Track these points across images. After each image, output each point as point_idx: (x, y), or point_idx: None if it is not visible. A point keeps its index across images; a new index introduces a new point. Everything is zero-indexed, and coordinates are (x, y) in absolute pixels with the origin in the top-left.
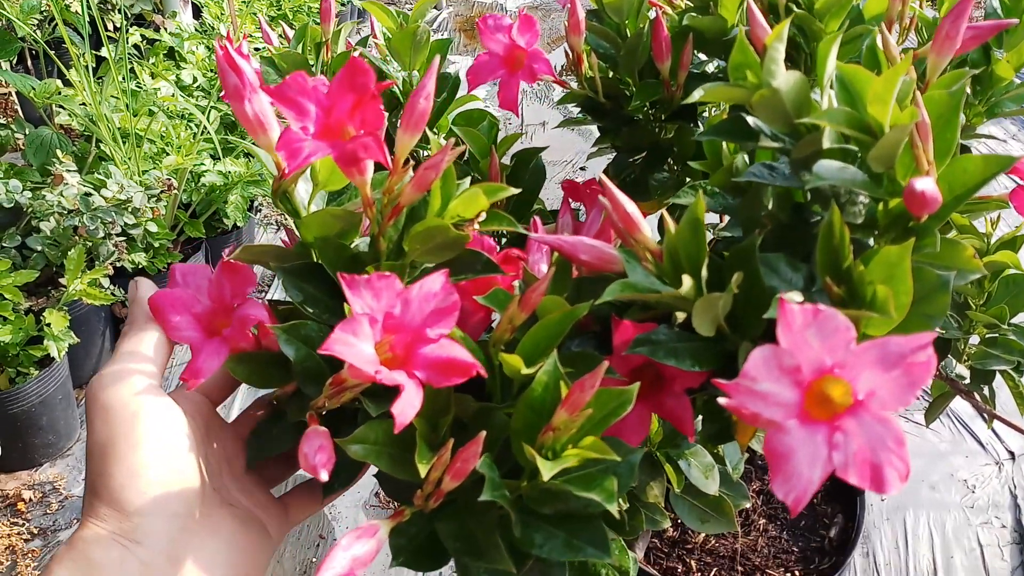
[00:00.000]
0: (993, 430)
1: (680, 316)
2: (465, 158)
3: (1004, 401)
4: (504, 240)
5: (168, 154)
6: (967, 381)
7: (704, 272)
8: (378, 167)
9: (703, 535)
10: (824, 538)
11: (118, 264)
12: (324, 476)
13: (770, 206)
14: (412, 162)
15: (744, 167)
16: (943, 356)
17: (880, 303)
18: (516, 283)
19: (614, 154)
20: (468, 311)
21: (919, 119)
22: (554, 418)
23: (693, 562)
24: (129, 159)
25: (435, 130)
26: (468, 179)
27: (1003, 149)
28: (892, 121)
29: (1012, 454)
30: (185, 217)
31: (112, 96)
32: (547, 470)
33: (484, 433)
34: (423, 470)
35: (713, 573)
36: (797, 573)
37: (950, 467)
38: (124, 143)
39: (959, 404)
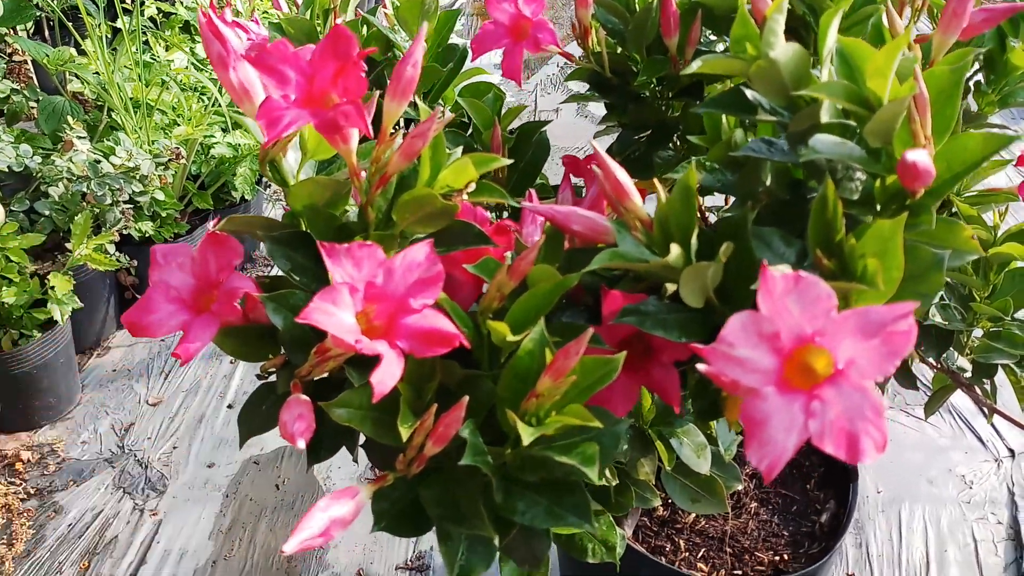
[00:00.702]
0: (994, 427)
1: (670, 288)
2: (470, 131)
3: (1006, 399)
4: (505, 215)
5: (179, 125)
6: (969, 374)
7: (694, 242)
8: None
9: (693, 516)
10: (815, 523)
11: (124, 231)
12: (301, 444)
13: (768, 182)
14: (400, 131)
15: (743, 142)
16: (945, 348)
17: (870, 276)
18: (508, 254)
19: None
20: (459, 282)
21: (917, 92)
22: (538, 384)
23: (682, 542)
24: (140, 129)
25: (441, 101)
26: (459, 149)
27: (1013, 112)
28: (891, 95)
29: (1012, 452)
30: (194, 188)
31: (125, 67)
32: (528, 435)
33: (467, 398)
34: (405, 434)
35: (702, 554)
36: (786, 557)
37: (949, 462)
38: (135, 113)
39: (961, 400)
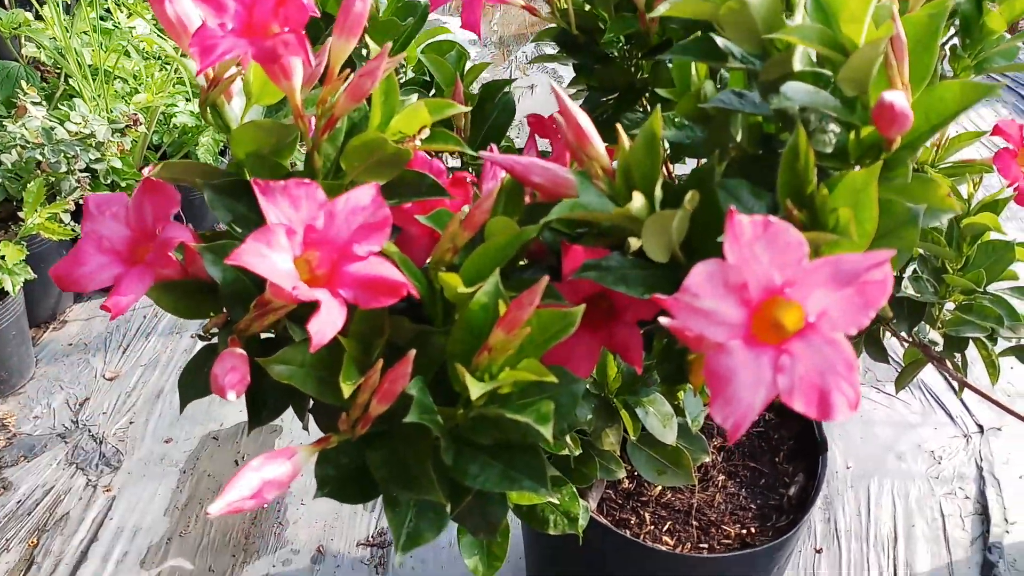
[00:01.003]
0: (963, 403)
1: (635, 244)
2: (432, 92)
3: (977, 374)
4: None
5: (140, 94)
6: (940, 348)
7: (658, 192)
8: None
9: (659, 488)
10: (783, 496)
11: (80, 200)
12: (231, 396)
13: (739, 138)
14: (348, 71)
15: (713, 94)
16: (917, 321)
17: (843, 227)
18: (465, 208)
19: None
20: (412, 237)
21: (895, 35)
22: (490, 337)
23: (647, 515)
24: (99, 96)
25: (403, 60)
26: (415, 96)
27: (985, 107)
28: (868, 40)
29: (981, 427)
30: (154, 158)
31: (84, 32)
32: (477, 389)
33: (414, 352)
34: (347, 391)
35: (667, 527)
36: (753, 530)
37: (918, 438)
38: (94, 80)
39: (931, 377)
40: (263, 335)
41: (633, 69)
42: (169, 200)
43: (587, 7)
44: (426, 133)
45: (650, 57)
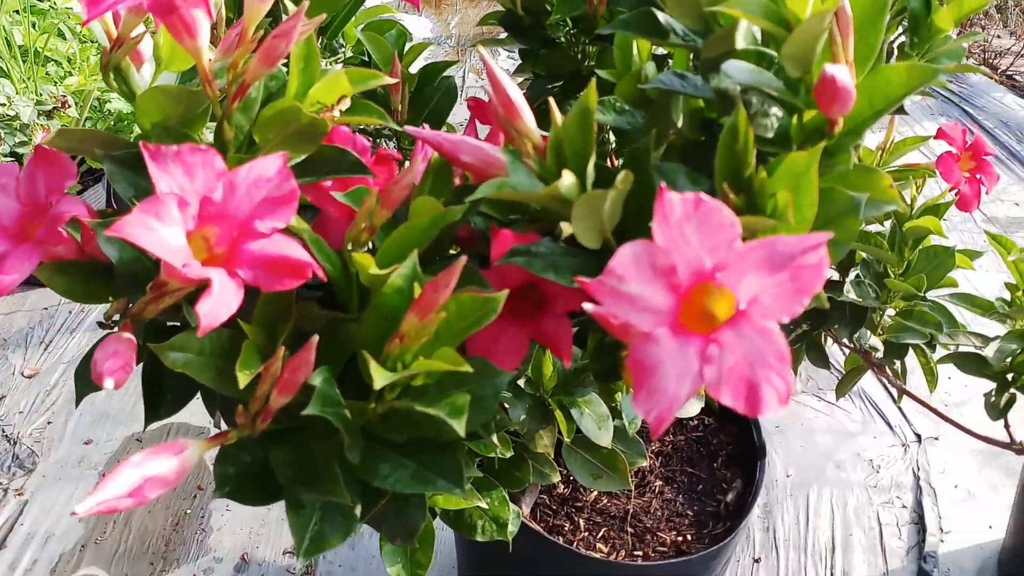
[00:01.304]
0: (903, 412)
1: (567, 230)
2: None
3: (917, 383)
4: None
5: (73, 77)
6: (880, 355)
7: (590, 171)
8: None
9: (595, 493)
10: (720, 503)
11: None
12: (108, 384)
13: (680, 124)
14: (262, 33)
15: (654, 75)
16: (858, 326)
17: (780, 210)
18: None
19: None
20: (332, 219)
21: (839, 9)
22: (403, 323)
23: (582, 521)
24: (28, 78)
25: (342, 38)
26: (339, 66)
27: (918, 105)
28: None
29: (919, 436)
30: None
31: (14, 10)
32: (380, 379)
33: (316, 337)
34: (243, 380)
35: (602, 533)
36: (689, 537)
37: (858, 446)
38: (24, 61)
39: (872, 386)
40: (172, 323)
41: (580, 56)
42: (64, 171)
43: None
44: (346, 104)
45: (598, 43)
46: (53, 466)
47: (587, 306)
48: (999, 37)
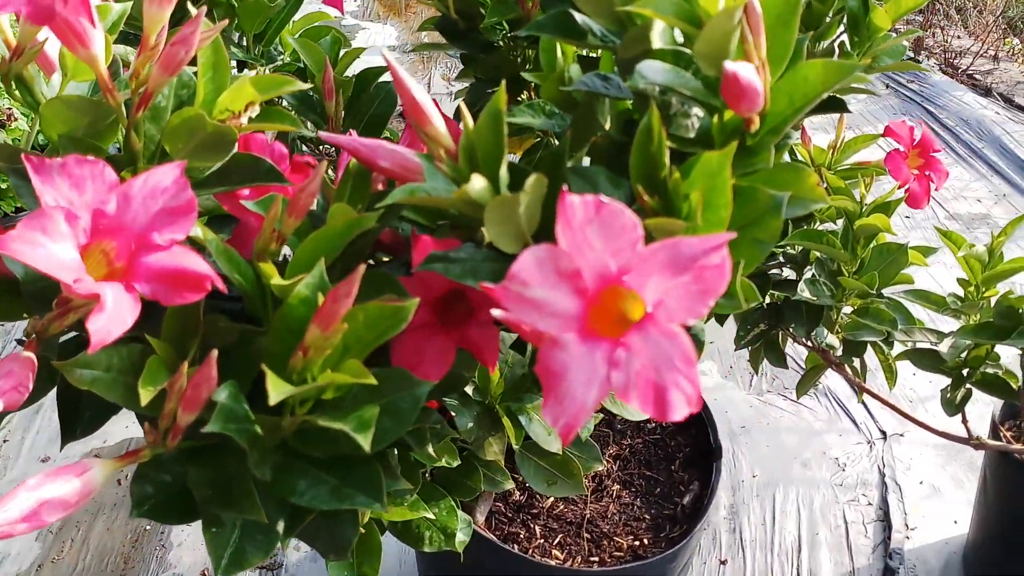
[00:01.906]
0: (868, 409)
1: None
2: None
3: (881, 381)
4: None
5: None
6: (839, 353)
7: (503, 174)
8: None
9: (551, 500)
10: (678, 505)
11: None
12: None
13: (608, 126)
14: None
15: (577, 76)
16: (815, 325)
17: (692, 211)
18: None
19: None
20: (252, 229)
21: (749, 7)
22: (306, 335)
23: (538, 528)
24: None
25: (279, 44)
26: (250, 72)
27: (880, 105)
28: None
29: (884, 434)
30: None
31: None
32: (277, 393)
33: (215, 352)
34: (145, 397)
35: (558, 540)
36: (646, 541)
37: (823, 445)
38: None
39: (837, 383)
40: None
41: (520, 59)
42: None
43: None
44: (255, 111)
45: (534, 46)
46: (8, 485)
47: (496, 312)
48: (959, 38)
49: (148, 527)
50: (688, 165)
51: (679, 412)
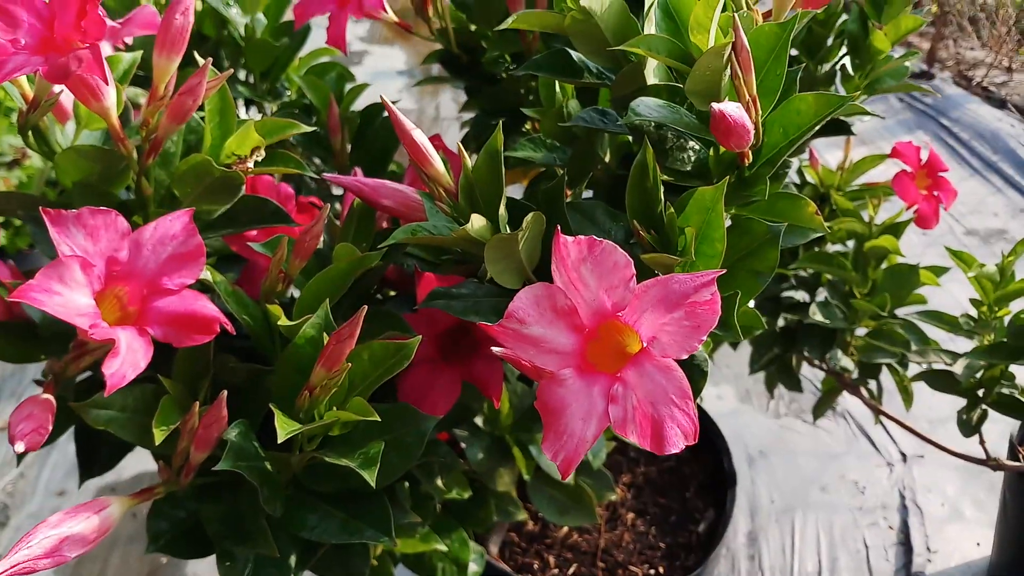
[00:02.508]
0: (887, 431)
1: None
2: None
3: (899, 402)
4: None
5: None
6: (854, 375)
7: (503, 212)
8: None
9: (565, 529)
10: (692, 533)
11: None
12: (19, 448)
13: (608, 159)
14: (171, 91)
15: (576, 112)
16: (828, 348)
17: (686, 246)
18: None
19: None
20: (262, 267)
21: (739, 45)
22: (312, 376)
23: (552, 558)
24: None
25: (285, 82)
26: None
27: (893, 119)
28: None
29: (904, 455)
30: (54, 195)
31: None
32: (284, 431)
33: (225, 393)
34: (159, 436)
35: (573, 570)
36: (661, 570)
37: (842, 468)
38: None
39: (855, 405)
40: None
41: (522, 91)
42: None
43: (472, 27)
44: (261, 155)
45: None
46: (27, 519)
47: (495, 349)
48: (972, 49)
49: (164, 560)
50: (683, 200)
51: (675, 445)
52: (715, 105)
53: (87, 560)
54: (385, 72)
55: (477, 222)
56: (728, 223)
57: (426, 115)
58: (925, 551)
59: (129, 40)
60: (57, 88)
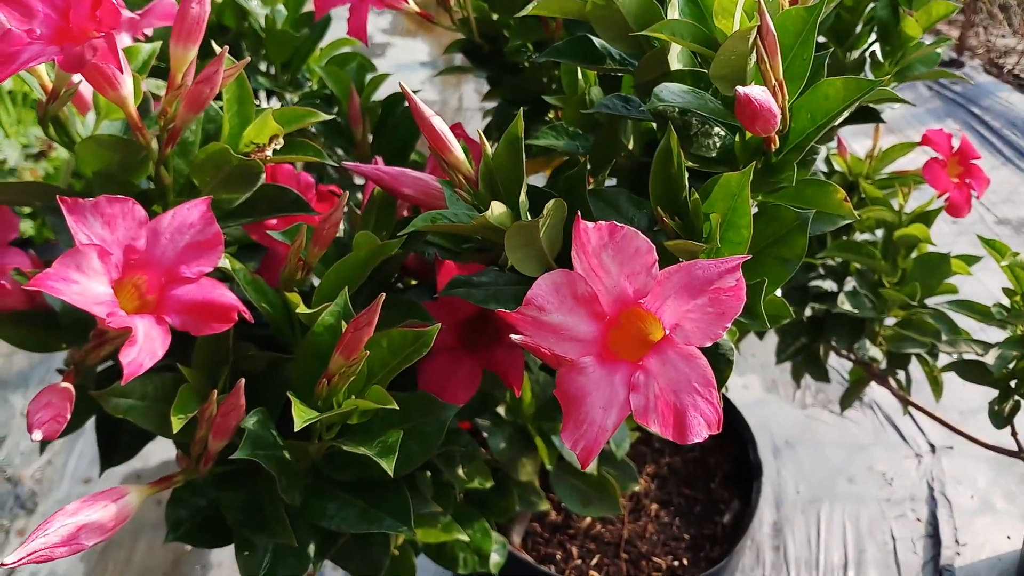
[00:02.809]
0: (915, 422)
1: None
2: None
3: (928, 392)
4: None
5: None
6: (882, 365)
7: (523, 199)
8: None
9: (588, 520)
10: (718, 524)
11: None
12: (36, 436)
13: (631, 146)
14: (189, 80)
15: (598, 99)
16: (856, 337)
17: (712, 231)
18: (343, 226)
19: None
20: (282, 256)
21: (764, 29)
22: (330, 363)
23: (575, 548)
24: (19, 122)
25: (306, 72)
26: (275, 106)
27: (923, 108)
28: None
29: (933, 447)
30: (80, 185)
31: None
32: (301, 419)
33: (243, 381)
34: (176, 425)
35: (596, 561)
36: (685, 561)
37: (870, 459)
38: (15, 104)
39: (883, 396)
40: None
41: (545, 80)
42: (5, 225)
43: (495, 16)
44: (279, 144)
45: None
46: (54, 505)
47: (515, 337)
48: (1003, 37)
49: (189, 548)
50: (708, 186)
51: (698, 435)
52: (740, 88)
53: (113, 547)
54: (408, 64)
55: (497, 209)
56: (754, 211)
57: (449, 106)
58: (954, 544)
59: (149, 31)
60: (77, 79)
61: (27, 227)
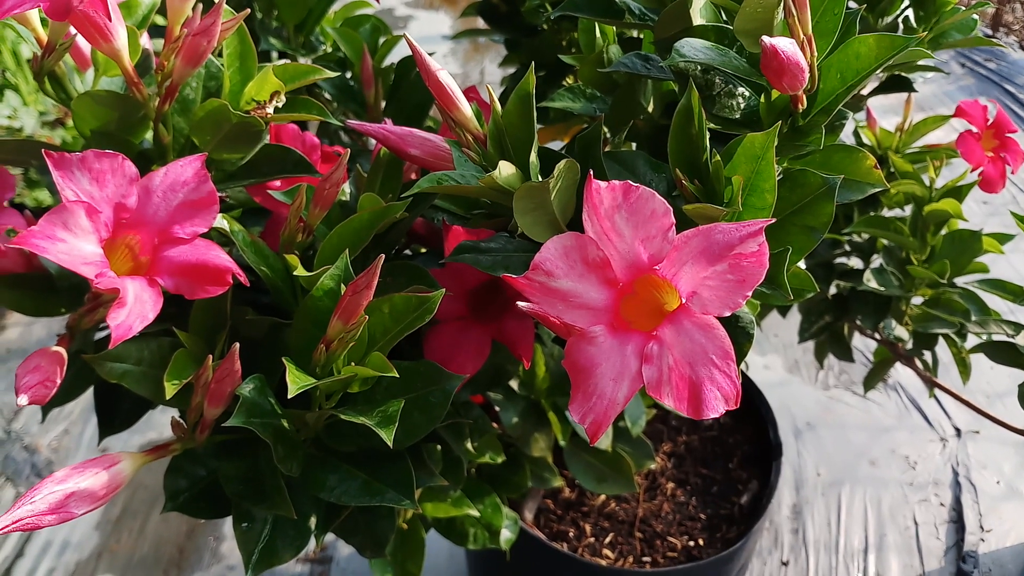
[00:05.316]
0: (941, 405)
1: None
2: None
3: (955, 376)
4: None
5: None
6: (909, 345)
7: (534, 159)
8: None
9: (602, 498)
10: (735, 505)
11: (17, 200)
12: (23, 401)
13: (650, 107)
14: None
15: (617, 57)
16: (882, 316)
17: (734, 195)
18: (347, 188)
19: None
20: (284, 220)
21: None
22: (328, 329)
23: (588, 526)
24: (37, 91)
25: (319, 35)
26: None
27: (955, 85)
28: None
29: (958, 430)
30: (80, 146)
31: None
32: (296, 386)
33: (237, 346)
34: (170, 391)
35: (609, 539)
36: (701, 541)
37: (893, 442)
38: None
39: (908, 378)
40: None
41: (564, 42)
42: (2, 184)
43: None
44: (281, 101)
45: (562, 20)
46: None
47: (522, 305)
48: None
49: (202, 519)
50: (730, 148)
51: (714, 409)
52: (766, 39)
53: (128, 515)
54: (431, 37)
55: (506, 169)
56: (779, 176)
57: (471, 79)
58: (978, 529)
59: None
60: (74, 32)
61: (44, 196)
